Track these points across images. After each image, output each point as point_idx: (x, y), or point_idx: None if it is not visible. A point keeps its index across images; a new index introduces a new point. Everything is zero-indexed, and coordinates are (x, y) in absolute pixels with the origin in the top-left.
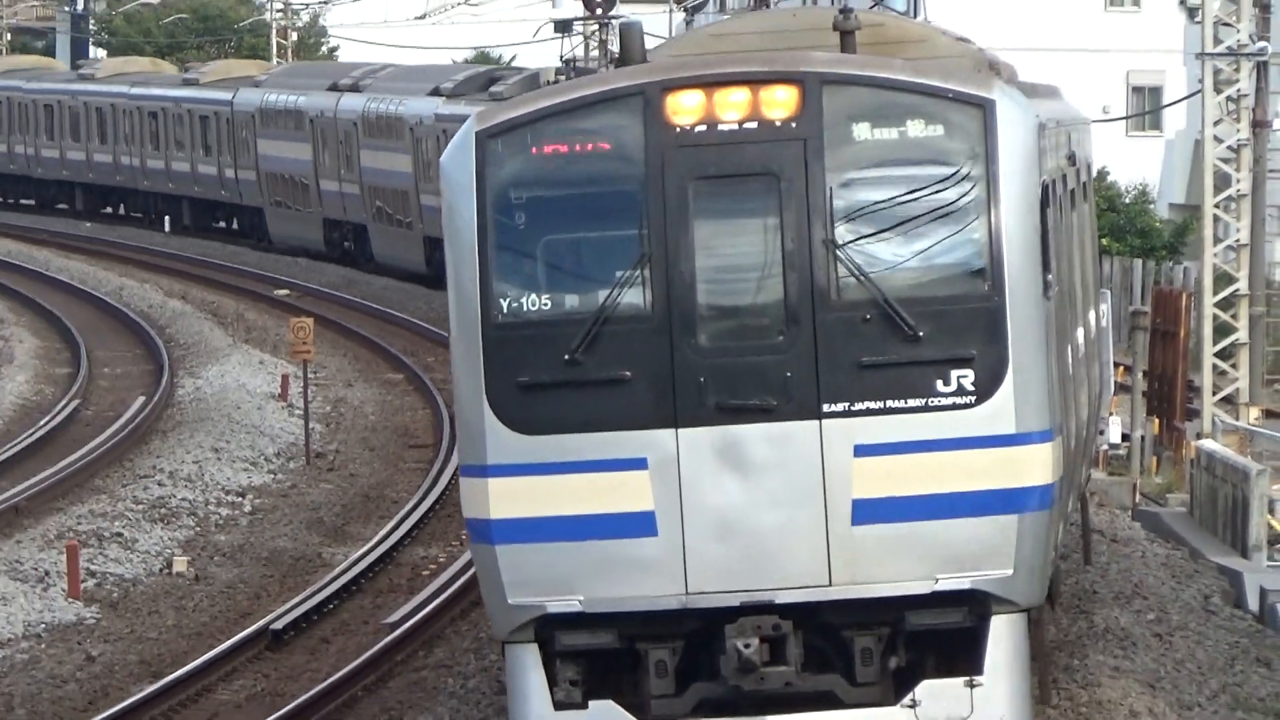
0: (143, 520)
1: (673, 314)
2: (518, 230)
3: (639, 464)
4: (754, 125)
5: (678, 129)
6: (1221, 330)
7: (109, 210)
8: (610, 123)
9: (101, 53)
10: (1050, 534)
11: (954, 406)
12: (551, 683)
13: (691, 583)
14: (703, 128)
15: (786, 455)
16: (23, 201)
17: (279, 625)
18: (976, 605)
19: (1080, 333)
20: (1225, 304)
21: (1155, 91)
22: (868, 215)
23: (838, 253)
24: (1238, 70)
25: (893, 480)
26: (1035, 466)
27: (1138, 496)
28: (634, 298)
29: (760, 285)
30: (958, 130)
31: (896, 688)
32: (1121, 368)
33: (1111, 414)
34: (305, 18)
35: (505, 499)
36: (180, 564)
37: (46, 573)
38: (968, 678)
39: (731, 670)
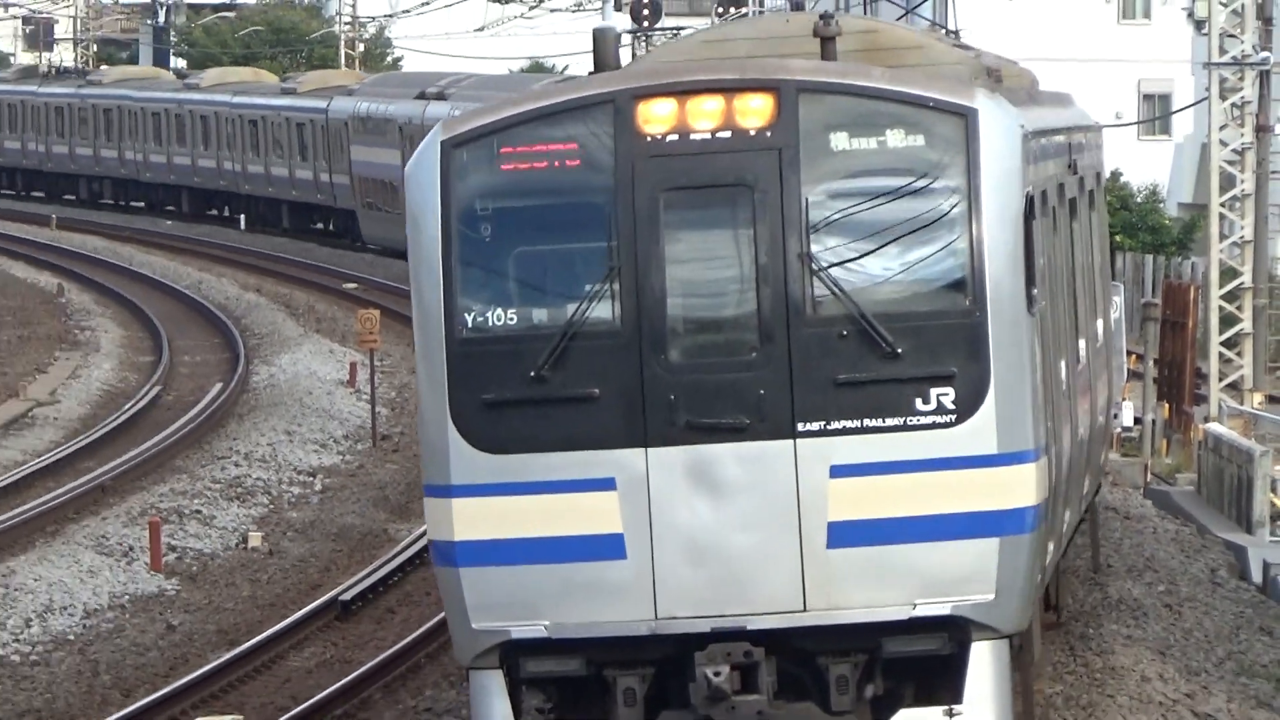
0: (220, 498)
1: (642, 329)
2: (483, 242)
3: (607, 484)
4: (727, 135)
5: (649, 138)
6: (1227, 321)
7: (214, 213)
8: (580, 132)
9: (181, 63)
10: (1035, 557)
11: (934, 426)
12: (516, 711)
13: (661, 608)
14: (674, 137)
15: (760, 476)
16: (133, 204)
17: (347, 596)
18: (956, 631)
19: (1083, 343)
20: (1230, 296)
21: (1165, 98)
22: (844, 228)
23: (813, 267)
24: (1242, 79)
25: (870, 502)
26: (1018, 488)
27: (1149, 476)
28: (602, 312)
29: (733, 300)
30: (938, 140)
31: (873, 717)
32: (1134, 356)
33: (1124, 399)
34: (372, 30)
35: (469, 520)
36: (255, 539)
37: (131, 547)
38: (947, 707)
39: (701, 699)
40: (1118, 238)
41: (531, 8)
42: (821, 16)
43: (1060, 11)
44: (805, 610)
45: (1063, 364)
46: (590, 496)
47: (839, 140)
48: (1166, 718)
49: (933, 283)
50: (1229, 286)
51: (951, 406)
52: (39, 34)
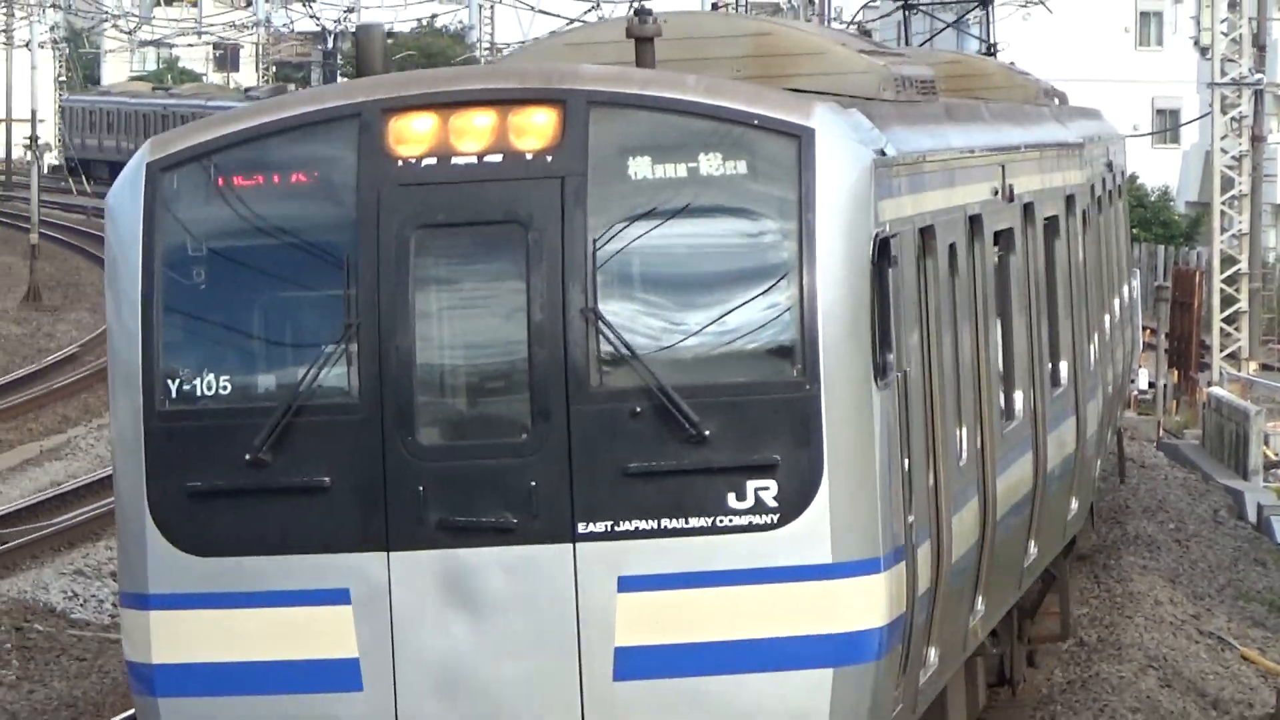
0: None
1: (385, 403)
2: (195, 290)
3: (339, 597)
4: (498, 159)
5: (400, 162)
6: (1227, 301)
7: None
8: (318, 153)
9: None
10: (885, 689)
11: (750, 528)
12: None
13: None
14: (432, 161)
15: (530, 589)
16: None
17: None
18: None
19: (1021, 396)
20: (1230, 281)
21: (1174, 113)
22: (642, 277)
23: (601, 326)
24: (1240, 96)
25: (669, 623)
26: (859, 605)
27: (1161, 431)
28: (337, 381)
29: (499, 368)
30: (765, 167)
31: None
32: (1148, 330)
33: (1141, 366)
34: (506, 54)
35: (171, 639)
36: None
37: None
38: None
39: None
40: (1134, 230)
41: None
42: (637, 12)
43: (1087, 38)
44: None
45: (961, 432)
46: (319, 612)
47: (639, 166)
48: (1176, 635)
49: (752, 347)
50: (1229, 272)
51: (773, 504)
52: (226, 58)
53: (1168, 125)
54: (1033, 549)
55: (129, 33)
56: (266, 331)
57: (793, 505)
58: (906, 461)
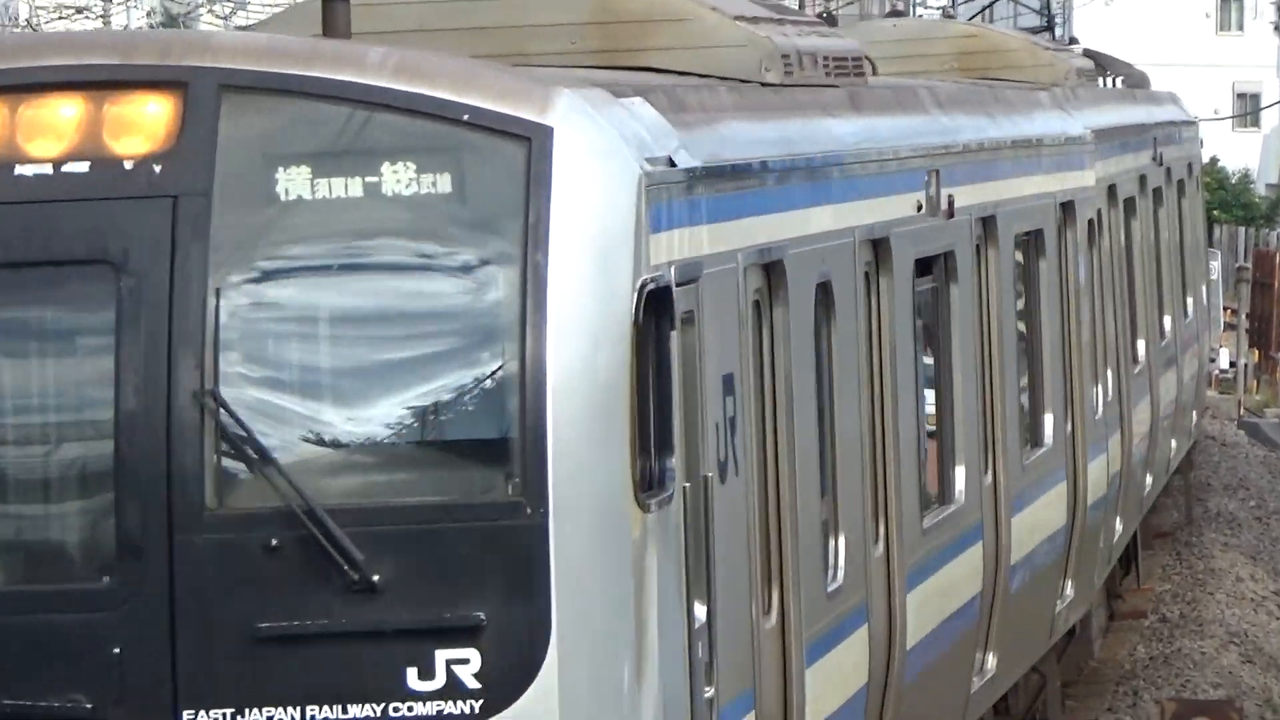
0: None
1: None
2: None
3: None
4: (84, 169)
5: None
6: None
7: None
8: None
9: None
10: None
11: (440, 718)
12: None
13: None
14: None
15: None
16: None
17: None
18: None
19: (966, 471)
20: None
21: (1255, 96)
22: (289, 346)
23: (224, 417)
24: None
25: None
26: None
27: (1241, 410)
28: None
29: (72, 478)
30: (478, 184)
31: None
32: (1229, 310)
33: (1221, 346)
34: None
35: None
36: None
37: None
38: None
39: None
40: (1215, 212)
41: None
42: None
43: (1169, 24)
44: None
45: (837, 543)
46: None
47: (293, 181)
48: (1257, 611)
49: (449, 452)
50: None
51: (475, 684)
52: None
53: (1248, 109)
54: (990, 664)
55: (224, 18)
56: None
57: (505, 686)
58: (703, 608)
